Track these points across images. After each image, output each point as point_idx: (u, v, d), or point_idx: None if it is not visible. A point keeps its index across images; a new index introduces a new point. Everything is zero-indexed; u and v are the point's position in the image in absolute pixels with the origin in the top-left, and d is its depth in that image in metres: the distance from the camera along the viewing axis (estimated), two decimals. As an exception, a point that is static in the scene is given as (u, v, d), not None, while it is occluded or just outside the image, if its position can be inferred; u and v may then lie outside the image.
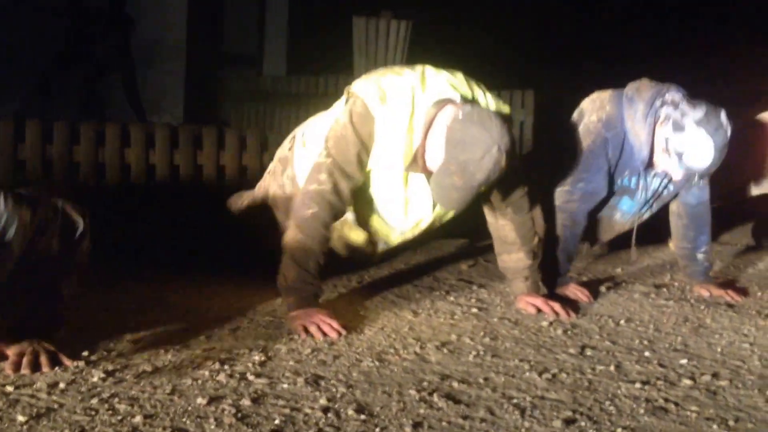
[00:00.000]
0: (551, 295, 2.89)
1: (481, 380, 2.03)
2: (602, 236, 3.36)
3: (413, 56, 6.58)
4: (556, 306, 2.74)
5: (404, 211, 2.68)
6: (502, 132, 2.32)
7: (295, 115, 6.99)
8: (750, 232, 4.51)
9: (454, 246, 3.90)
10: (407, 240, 2.87)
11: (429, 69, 2.58)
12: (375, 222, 2.75)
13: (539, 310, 2.73)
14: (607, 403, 1.89)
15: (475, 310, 2.78)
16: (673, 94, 2.91)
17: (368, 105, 2.47)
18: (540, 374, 2.09)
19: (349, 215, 2.71)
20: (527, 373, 2.10)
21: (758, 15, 9.15)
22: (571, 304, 2.86)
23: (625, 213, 3.22)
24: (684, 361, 2.27)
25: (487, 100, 2.62)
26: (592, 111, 3.12)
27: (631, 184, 3.12)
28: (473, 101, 2.55)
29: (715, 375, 2.15)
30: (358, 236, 2.80)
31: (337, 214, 2.56)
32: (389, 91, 2.47)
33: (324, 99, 6.50)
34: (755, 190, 3.85)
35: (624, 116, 3.01)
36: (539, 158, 3.63)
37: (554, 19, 10.23)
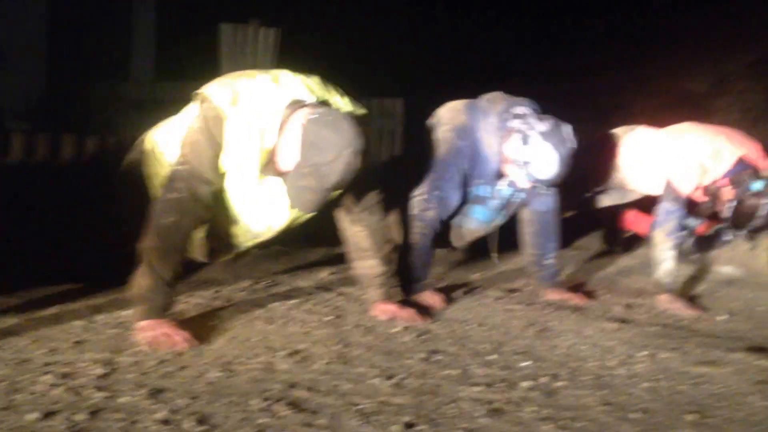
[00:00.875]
0: (406, 301, 2.92)
1: (327, 388, 2.02)
2: (455, 243, 3.43)
3: (284, 65, 6.55)
4: (410, 312, 2.77)
5: (259, 213, 2.64)
6: (355, 134, 2.33)
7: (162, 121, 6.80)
8: (600, 238, 4.74)
9: (317, 254, 3.89)
10: (262, 241, 2.83)
11: (284, 72, 2.56)
12: (230, 224, 2.69)
13: (394, 317, 2.76)
14: (449, 406, 1.92)
15: (330, 317, 2.78)
16: (523, 108, 3.03)
17: (219, 107, 2.42)
18: (387, 380, 2.11)
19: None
20: (374, 380, 2.11)
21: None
22: (425, 310, 2.89)
23: (478, 221, 3.30)
24: (526, 364, 2.34)
25: (344, 103, 2.63)
26: (447, 120, 3.18)
27: (484, 193, 3.20)
28: (329, 104, 2.55)
29: (554, 376, 2.23)
30: (212, 241, 2.74)
31: (198, 221, 2.50)
32: (241, 93, 2.44)
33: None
34: (606, 201, 4.06)
35: (477, 126, 3.10)
36: (404, 167, 3.68)
37: (428, 29, 10.43)
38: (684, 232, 3.63)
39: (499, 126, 3.04)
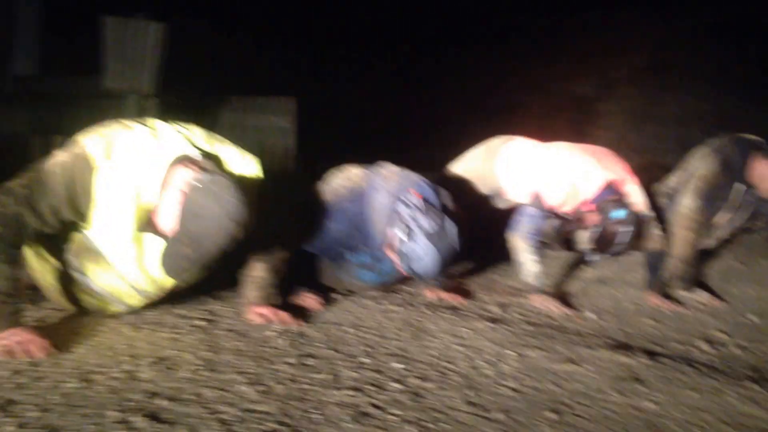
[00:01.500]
0: (283, 304, 2.88)
1: (190, 396, 1.97)
2: (352, 288, 3.42)
3: (173, 60, 6.39)
4: (284, 315, 2.74)
5: (138, 270, 2.53)
6: (239, 204, 2.26)
7: (47, 116, 6.50)
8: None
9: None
10: (153, 300, 2.71)
11: (161, 124, 2.47)
12: (108, 282, 2.56)
13: (268, 320, 2.72)
14: (315, 411, 1.91)
15: (202, 322, 2.72)
16: (413, 198, 2.99)
17: (92, 157, 2.31)
18: (253, 386, 2.07)
19: (80, 277, 2.53)
20: (241, 386, 2.07)
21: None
22: (301, 313, 2.87)
23: (370, 281, 3.32)
24: (398, 366, 2.35)
25: (230, 157, 2.58)
26: (344, 179, 3.22)
27: (368, 261, 3.22)
28: (213, 158, 2.48)
29: (423, 378, 2.24)
30: (90, 300, 2.61)
31: (30, 236, 2.37)
32: (116, 146, 2.34)
33: (78, 100, 6.15)
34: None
35: (369, 199, 3.09)
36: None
37: (321, 27, 10.38)
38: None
39: (388, 207, 3.03)
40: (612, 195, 3.46)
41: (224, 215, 2.24)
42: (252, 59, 8.79)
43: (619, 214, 3.39)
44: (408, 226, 2.91)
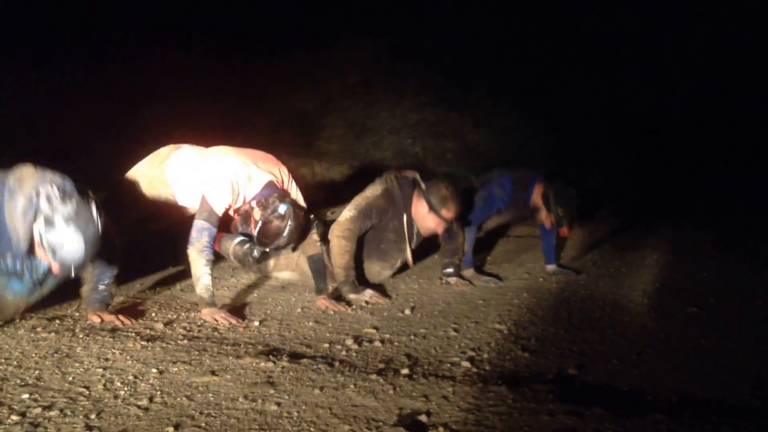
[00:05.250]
0: None
1: None
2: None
3: None
4: None
5: None
6: None
7: None
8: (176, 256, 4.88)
9: None
10: None
11: None
12: None
13: None
14: None
15: None
16: (49, 189, 2.91)
17: None
18: None
19: None
20: None
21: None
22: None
23: (17, 293, 3.21)
24: (26, 396, 2.34)
25: None
26: None
27: (14, 267, 3.13)
28: None
29: (49, 406, 2.26)
30: None
31: None
32: None
33: None
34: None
35: (2, 205, 2.98)
36: None
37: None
38: (247, 246, 3.84)
39: (27, 209, 2.94)
40: (274, 192, 3.67)
41: None
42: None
43: (282, 208, 3.60)
44: (46, 216, 2.88)
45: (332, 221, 4.32)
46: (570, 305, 3.85)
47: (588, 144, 9.03)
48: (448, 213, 4.26)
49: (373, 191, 4.35)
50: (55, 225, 2.87)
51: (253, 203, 3.67)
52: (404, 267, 4.61)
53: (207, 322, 3.47)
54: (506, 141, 9.28)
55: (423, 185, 4.34)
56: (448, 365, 2.84)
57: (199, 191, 3.69)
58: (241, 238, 3.86)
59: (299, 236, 3.79)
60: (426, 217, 4.31)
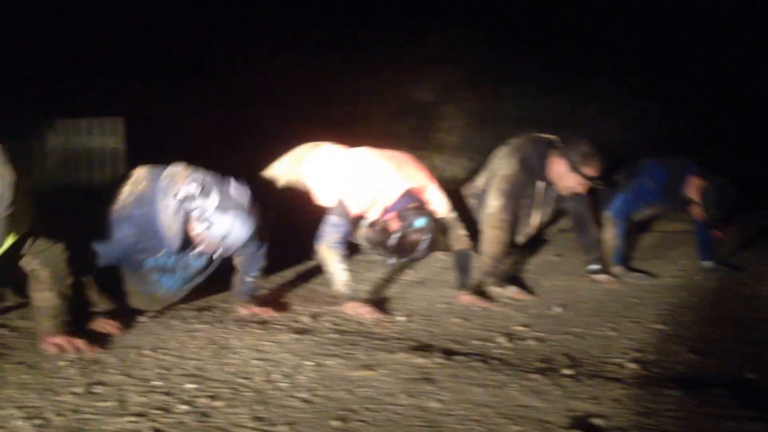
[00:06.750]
0: (79, 331, 2.80)
1: (-40, 437, 1.89)
2: (147, 308, 3.35)
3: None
4: (79, 343, 2.67)
5: None
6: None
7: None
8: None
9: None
10: None
11: None
12: None
13: (63, 349, 2.64)
14: (92, 441, 1.88)
15: (-9, 357, 2.61)
16: (199, 184, 3.00)
17: None
18: (31, 420, 2.01)
19: None
20: (17, 421, 2.01)
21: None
22: (98, 339, 2.80)
23: (169, 288, 3.29)
24: (190, 386, 2.34)
25: None
26: (131, 184, 3.14)
27: (167, 263, 3.20)
28: None
29: (213, 396, 2.25)
30: None
31: None
32: None
33: None
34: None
35: (157, 202, 3.05)
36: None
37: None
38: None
39: (177, 210, 3.01)
40: (412, 202, 3.57)
41: None
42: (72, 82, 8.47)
43: (420, 222, 3.50)
44: (201, 215, 2.95)
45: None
46: (735, 305, 3.60)
47: (729, 134, 8.56)
48: (591, 170, 4.06)
49: (510, 167, 4.16)
50: (211, 219, 2.91)
51: (390, 214, 3.59)
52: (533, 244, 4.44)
53: (351, 316, 3.42)
54: (634, 130, 8.86)
55: (561, 144, 4.15)
56: (613, 366, 2.67)
57: (337, 194, 3.66)
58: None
59: (435, 247, 3.69)
60: (566, 176, 4.12)
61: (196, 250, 3.13)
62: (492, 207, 4.08)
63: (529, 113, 9.59)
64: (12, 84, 7.38)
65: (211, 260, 3.27)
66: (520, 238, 4.40)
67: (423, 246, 3.49)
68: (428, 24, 10.25)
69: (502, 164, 4.20)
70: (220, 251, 3.07)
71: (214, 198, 2.96)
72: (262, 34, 9.77)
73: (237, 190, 3.02)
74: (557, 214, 4.59)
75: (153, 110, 7.82)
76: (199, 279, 3.36)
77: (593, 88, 9.49)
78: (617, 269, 4.45)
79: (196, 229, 2.99)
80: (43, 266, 2.67)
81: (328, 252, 3.54)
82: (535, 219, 4.32)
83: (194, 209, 2.97)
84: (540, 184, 4.20)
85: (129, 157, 7.44)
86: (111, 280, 3.17)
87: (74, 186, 7.36)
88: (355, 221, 3.64)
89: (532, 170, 4.18)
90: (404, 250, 3.52)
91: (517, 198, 4.14)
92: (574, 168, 4.07)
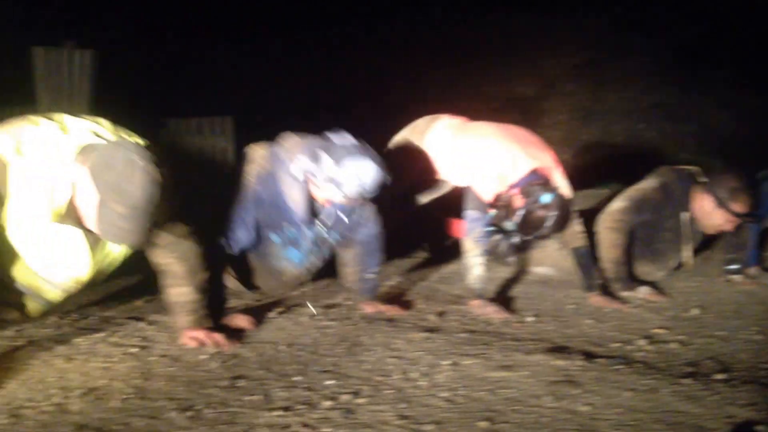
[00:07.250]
0: (216, 326, 2.84)
1: (119, 426, 1.94)
2: (267, 287, 3.40)
3: (102, 86, 6.36)
4: (218, 337, 2.71)
5: (56, 264, 2.46)
6: (140, 149, 2.26)
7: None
8: (425, 245, 4.86)
9: (130, 281, 3.72)
10: (71, 294, 2.63)
11: (69, 118, 2.41)
12: (25, 277, 2.47)
13: (202, 344, 2.69)
14: (243, 434, 1.89)
15: (135, 349, 2.68)
16: (299, 159, 3.04)
17: (2, 155, 2.25)
18: (183, 412, 2.05)
19: None
20: (170, 413, 2.05)
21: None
22: (235, 334, 2.84)
23: (292, 263, 3.34)
24: (330, 382, 2.33)
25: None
26: (250, 163, 3.20)
27: (293, 235, 3.24)
28: None
29: (356, 393, 2.23)
30: (9, 295, 2.52)
31: None
32: (26, 143, 2.28)
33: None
34: (425, 197, 4.09)
35: (279, 176, 3.11)
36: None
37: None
38: (499, 236, 3.69)
39: (298, 177, 3.05)
40: (537, 179, 3.48)
41: (133, 155, 2.22)
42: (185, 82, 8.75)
43: (546, 198, 3.39)
44: (325, 178, 2.95)
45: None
46: None
47: None
48: (739, 207, 3.76)
49: (649, 183, 3.96)
50: (342, 164, 2.91)
51: (515, 190, 3.50)
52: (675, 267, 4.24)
53: (478, 315, 3.36)
54: (755, 124, 8.40)
55: (705, 179, 3.93)
56: (766, 372, 2.52)
57: (464, 176, 3.60)
58: (493, 227, 3.67)
59: (562, 227, 3.57)
60: (712, 213, 3.83)
61: (327, 217, 3.15)
62: (612, 206, 3.91)
63: (637, 106, 9.27)
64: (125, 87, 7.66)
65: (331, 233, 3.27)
66: (660, 274, 4.19)
67: (549, 223, 3.40)
68: (530, 12, 10.07)
69: (642, 182, 4.01)
70: (358, 200, 3.04)
71: (325, 159, 2.94)
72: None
73: (341, 138, 2.99)
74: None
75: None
76: (326, 252, 3.38)
77: (711, 78, 9.08)
78: (753, 270, 4.21)
79: (327, 194, 3.00)
80: (179, 261, 2.70)
81: (473, 246, 3.50)
82: (687, 253, 4.08)
83: (314, 176, 2.98)
84: (685, 215, 3.97)
85: (237, 156, 7.60)
86: (241, 264, 3.23)
87: (190, 184, 7.56)
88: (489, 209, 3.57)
89: (672, 197, 3.93)
90: (529, 227, 3.43)
91: (645, 213, 3.91)
92: (722, 204, 3.80)
